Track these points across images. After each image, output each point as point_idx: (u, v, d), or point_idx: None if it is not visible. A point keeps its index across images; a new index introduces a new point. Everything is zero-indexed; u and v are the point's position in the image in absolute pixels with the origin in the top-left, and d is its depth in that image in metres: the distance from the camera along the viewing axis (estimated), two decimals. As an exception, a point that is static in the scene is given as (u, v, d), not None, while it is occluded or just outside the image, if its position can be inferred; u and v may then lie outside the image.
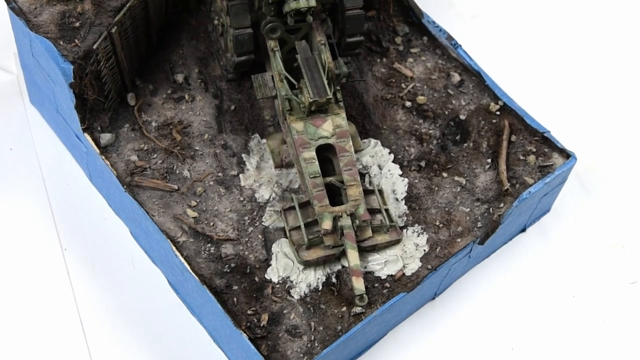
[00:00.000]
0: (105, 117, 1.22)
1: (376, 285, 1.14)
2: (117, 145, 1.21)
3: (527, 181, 1.22)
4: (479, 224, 1.19)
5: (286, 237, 1.16)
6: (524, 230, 1.32)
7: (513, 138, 1.26)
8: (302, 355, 1.09)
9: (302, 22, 1.18)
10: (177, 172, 1.21)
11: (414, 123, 1.27)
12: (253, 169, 1.22)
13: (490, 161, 1.24)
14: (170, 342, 1.20)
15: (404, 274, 1.15)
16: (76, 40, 1.17)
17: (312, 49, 1.20)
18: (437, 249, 1.17)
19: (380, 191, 1.19)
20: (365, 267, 1.15)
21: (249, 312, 1.11)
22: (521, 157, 1.24)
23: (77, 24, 1.18)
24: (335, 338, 1.10)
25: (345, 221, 1.12)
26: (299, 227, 1.14)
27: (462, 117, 1.28)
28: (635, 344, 1.24)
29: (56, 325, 1.20)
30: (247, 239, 1.16)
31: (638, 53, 1.52)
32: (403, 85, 1.30)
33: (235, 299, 1.12)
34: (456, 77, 1.31)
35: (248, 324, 1.11)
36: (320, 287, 1.14)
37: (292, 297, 1.13)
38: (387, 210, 1.17)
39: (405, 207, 1.20)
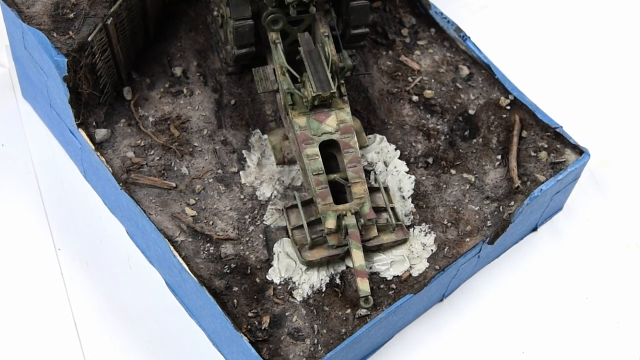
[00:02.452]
0: (100, 111, 1.22)
1: (382, 286, 1.14)
2: (113, 141, 1.21)
3: (538, 178, 1.22)
4: (489, 223, 1.19)
5: (288, 237, 1.16)
6: (535, 229, 1.32)
7: (524, 134, 1.25)
8: (304, 359, 1.09)
9: (304, 13, 1.18)
10: (175, 169, 1.20)
11: (421, 118, 1.27)
12: (254, 165, 1.22)
13: (500, 158, 1.24)
14: (168, 346, 1.19)
15: (410, 274, 1.15)
16: (70, 32, 1.17)
17: (315, 41, 1.20)
18: (445, 249, 1.17)
19: (386, 189, 1.19)
20: (371, 268, 1.15)
21: (250, 314, 1.11)
22: (532, 154, 1.24)
23: (71, 15, 1.18)
24: (339, 341, 1.10)
25: (350, 220, 1.12)
26: (301, 226, 1.14)
27: (471, 112, 1.28)
28: (651, 348, 1.24)
29: (50, 327, 1.20)
30: (247, 239, 1.16)
31: (654, 45, 1.53)
32: (410, 78, 1.30)
33: (235, 300, 1.12)
34: (465, 71, 1.31)
35: (249, 326, 1.10)
36: (324, 289, 1.14)
37: (295, 298, 1.13)
38: (393, 209, 1.17)
39: (412, 205, 1.20)
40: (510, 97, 1.28)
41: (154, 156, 1.21)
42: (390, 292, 1.13)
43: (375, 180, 1.20)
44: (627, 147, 1.41)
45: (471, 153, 1.24)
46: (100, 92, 1.21)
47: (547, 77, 1.47)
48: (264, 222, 1.18)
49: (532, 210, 1.23)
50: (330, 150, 1.17)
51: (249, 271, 1.14)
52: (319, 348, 1.10)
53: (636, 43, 1.52)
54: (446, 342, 1.22)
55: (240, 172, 1.21)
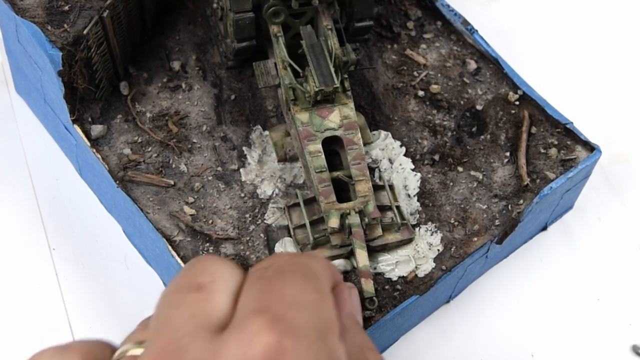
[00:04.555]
0: (96, 107, 1.22)
1: (387, 287, 1.14)
2: (109, 138, 1.21)
3: (548, 176, 1.21)
4: (497, 222, 1.19)
5: (290, 236, 1.16)
6: (545, 228, 1.31)
7: (533, 130, 1.25)
8: (307, 362, 1.08)
9: (307, 6, 1.18)
10: (174, 166, 1.20)
11: (427, 114, 1.27)
12: (255, 163, 1.21)
13: (509, 154, 1.24)
14: (166, 348, 1.19)
15: (416, 275, 1.15)
16: (65, 25, 1.16)
17: (317, 34, 1.19)
18: (452, 249, 1.17)
19: (391, 187, 1.19)
20: (375, 268, 1.15)
21: (251, 316, 1.11)
22: (542, 150, 1.24)
23: (66, 8, 1.18)
24: (342, 344, 1.09)
25: (354, 219, 1.11)
26: (303, 226, 1.14)
27: (479, 107, 1.28)
28: (664, 351, 1.24)
29: (44, 330, 1.19)
30: (248, 238, 1.16)
31: (667, 39, 1.52)
32: (415, 73, 1.30)
33: (235, 302, 1.12)
34: (472, 65, 1.31)
35: (249, 329, 1.10)
36: (327, 290, 1.13)
37: (297, 300, 1.13)
38: (398, 207, 1.17)
39: (418, 203, 1.20)
40: (519, 92, 1.28)
41: (152, 153, 1.20)
42: (395, 293, 1.13)
43: (380, 177, 1.20)
44: (640, 144, 1.41)
45: (479, 150, 1.24)
46: (96, 87, 1.21)
47: (557, 71, 1.47)
48: (265, 221, 1.17)
49: (541, 209, 1.23)
50: (333, 146, 1.17)
51: (249, 272, 1.14)
52: (322, 351, 1.09)
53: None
54: (453, 344, 1.22)
55: (241, 170, 1.21)
